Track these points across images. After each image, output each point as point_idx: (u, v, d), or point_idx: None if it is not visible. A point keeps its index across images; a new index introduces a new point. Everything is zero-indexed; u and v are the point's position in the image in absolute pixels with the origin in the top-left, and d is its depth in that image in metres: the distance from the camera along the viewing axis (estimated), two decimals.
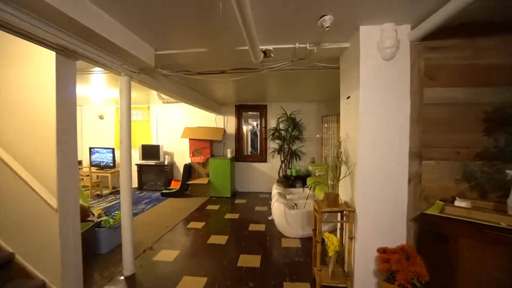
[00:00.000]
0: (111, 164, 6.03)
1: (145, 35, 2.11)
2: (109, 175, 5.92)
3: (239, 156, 6.11)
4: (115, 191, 5.92)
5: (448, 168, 1.95)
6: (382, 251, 1.87)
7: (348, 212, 2.07)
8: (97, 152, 6.16)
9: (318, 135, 5.76)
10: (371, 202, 2.02)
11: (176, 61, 2.68)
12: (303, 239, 3.21)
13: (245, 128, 6.28)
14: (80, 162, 6.34)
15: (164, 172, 6.05)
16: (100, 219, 3.01)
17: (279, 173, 5.69)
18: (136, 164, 6.14)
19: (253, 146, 6.43)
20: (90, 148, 6.22)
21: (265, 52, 2.30)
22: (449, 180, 1.95)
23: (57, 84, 1.86)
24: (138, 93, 4.70)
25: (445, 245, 1.63)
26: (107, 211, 3.87)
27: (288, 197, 4.06)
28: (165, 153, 6.28)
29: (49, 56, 1.83)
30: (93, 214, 3.05)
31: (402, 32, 1.91)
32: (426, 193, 1.97)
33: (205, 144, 5.65)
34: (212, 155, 5.90)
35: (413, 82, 1.96)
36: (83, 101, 5.41)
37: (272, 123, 5.96)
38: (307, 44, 2.20)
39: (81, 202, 2.65)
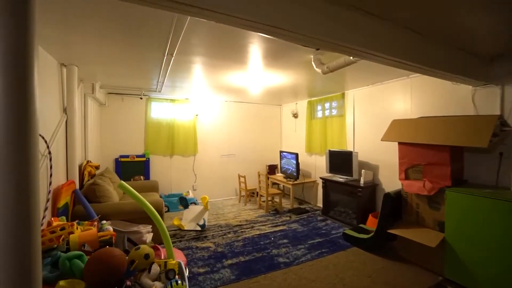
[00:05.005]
0: (295, 174, 4.74)
1: None
2: (290, 186, 4.66)
3: None
4: (296, 209, 4.53)
5: None
6: None
7: None
8: (285, 157, 5.18)
9: None
10: None
11: None
12: None
13: None
14: (275, 167, 5.76)
15: (357, 197, 3.65)
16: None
17: None
18: (321, 178, 4.34)
19: None
20: (280, 152, 5.40)
21: None
22: None
23: None
24: (308, 71, 2.86)
25: None
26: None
27: None
28: (362, 165, 3.82)
29: None
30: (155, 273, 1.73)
31: None
32: None
33: (437, 155, 2.47)
34: (460, 181, 2.52)
35: None
36: (240, 95, 4.61)
37: None
38: None
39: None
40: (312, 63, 2.41)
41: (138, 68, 2.93)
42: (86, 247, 1.90)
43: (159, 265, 1.85)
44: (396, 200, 2.82)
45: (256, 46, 2.26)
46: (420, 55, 1.85)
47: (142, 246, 1.83)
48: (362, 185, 3.58)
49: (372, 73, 3.18)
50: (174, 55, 2.37)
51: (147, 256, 1.76)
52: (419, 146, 2.60)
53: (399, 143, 2.82)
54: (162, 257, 2.15)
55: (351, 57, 1.97)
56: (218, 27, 1.86)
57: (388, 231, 2.67)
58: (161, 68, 2.86)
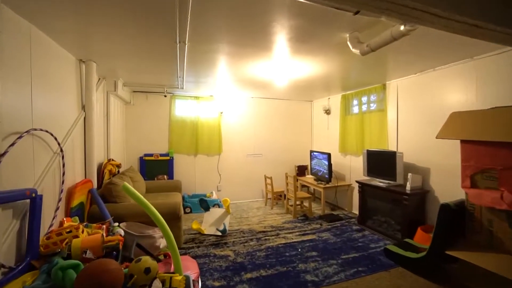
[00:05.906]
0: (327, 176, 4.26)
1: None
2: (321, 190, 4.20)
3: None
4: (327, 216, 4.05)
5: None
6: None
7: None
8: (316, 157, 4.72)
9: None
10: None
11: None
12: None
13: None
14: (305, 168, 5.32)
15: (402, 205, 3.07)
16: None
17: None
18: (357, 181, 3.81)
19: None
20: (311, 152, 4.94)
21: None
22: None
23: None
24: (344, 55, 2.44)
25: None
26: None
27: None
28: (408, 168, 3.23)
29: None
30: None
31: None
32: None
33: None
34: None
35: None
36: (267, 90, 4.21)
37: None
38: None
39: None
40: (348, 43, 1.97)
41: (154, 60, 2.76)
42: (88, 254, 1.73)
43: (163, 281, 1.60)
44: (456, 213, 2.24)
45: (279, 26, 1.91)
46: (505, 14, 1.32)
47: (143, 258, 1.59)
48: (408, 191, 3.00)
49: (422, 57, 2.61)
50: (187, 42, 2.13)
51: (147, 270, 1.51)
52: (492, 145, 2.00)
53: (462, 141, 2.24)
54: (172, 269, 1.92)
55: (402, 27, 1.50)
56: (231, 4, 1.55)
57: (447, 252, 2.11)
58: (177, 60, 2.65)
